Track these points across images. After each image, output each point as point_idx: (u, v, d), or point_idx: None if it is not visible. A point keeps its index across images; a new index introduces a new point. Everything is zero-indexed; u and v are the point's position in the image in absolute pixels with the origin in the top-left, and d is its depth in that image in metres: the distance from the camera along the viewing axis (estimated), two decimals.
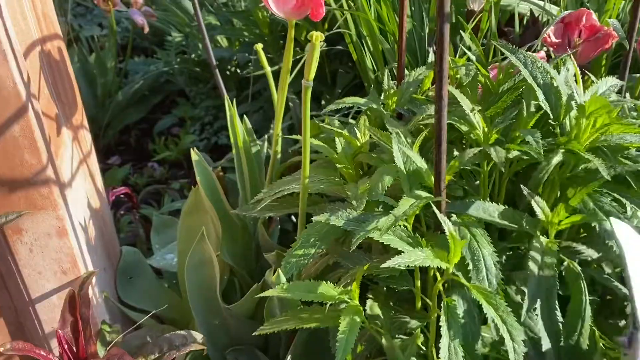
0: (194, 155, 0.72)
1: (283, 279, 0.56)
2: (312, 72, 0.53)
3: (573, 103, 0.57)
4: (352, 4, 1.04)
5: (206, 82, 1.55)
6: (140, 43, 1.89)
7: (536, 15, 1.02)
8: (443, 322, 0.48)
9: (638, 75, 0.81)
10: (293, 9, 0.60)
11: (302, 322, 0.57)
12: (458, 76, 0.65)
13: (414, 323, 0.59)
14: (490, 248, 0.51)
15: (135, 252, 0.88)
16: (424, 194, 0.52)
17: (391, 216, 0.48)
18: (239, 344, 0.76)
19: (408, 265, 0.55)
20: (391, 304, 0.64)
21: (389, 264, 0.45)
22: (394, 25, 1.06)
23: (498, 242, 0.66)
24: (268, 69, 0.79)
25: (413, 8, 1.09)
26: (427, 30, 1.08)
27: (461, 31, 0.80)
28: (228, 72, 1.54)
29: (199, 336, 0.59)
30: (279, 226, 0.91)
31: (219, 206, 0.76)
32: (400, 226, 0.52)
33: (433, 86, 0.76)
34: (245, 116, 0.83)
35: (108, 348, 0.53)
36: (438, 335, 0.53)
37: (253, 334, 0.58)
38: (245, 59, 1.47)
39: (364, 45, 1.06)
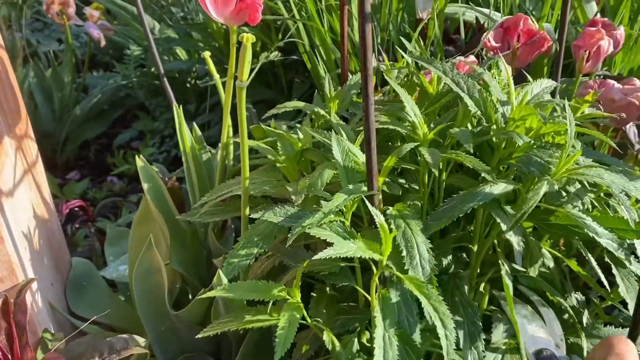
0: (139, 161, 0.72)
1: (224, 280, 0.57)
2: (245, 72, 0.54)
3: (499, 114, 0.59)
4: (304, 14, 1.06)
5: (165, 95, 1.54)
6: (101, 58, 1.88)
7: (482, 22, 1.05)
8: (377, 313, 0.49)
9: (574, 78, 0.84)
10: (231, 15, 0.61)
11: (246, 322, 0.57)
12: (394, 78, 0.67)
13: (357, 320, 0.59)
14: (424, 236, 0.52)
15: (86, 263, 0.87)
16: (359, 188, 0.53)
17: (321, 211, 0.49)
18: (191, 351, 0.76)
19: (346, 260, 0.56)
20: (337, 302, 0.65)
21: (320, 255, 0.46)
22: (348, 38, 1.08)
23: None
24: (217, 77, 0.79)
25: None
26: (378, 39, 1.11)
27: (401, 37, 0.82)
28: (188, 85, 1.54)
29: (141, 340, 0.59)
30: (234, 234, 0.91)
31: (168, 214, 0.76)
32: (336, 221, 0.53)
33: (377, 91, 0.78)
34: (195, 125, 0.83)
35: (46, 355, 0.52)
36: None
37: (196, 336, 0.58)
38: (204, 70, 1.48)
39: (317, 54, 1.07)
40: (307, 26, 1.08)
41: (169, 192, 0.98)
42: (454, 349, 0.59)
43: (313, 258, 0.46)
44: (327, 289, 0.65)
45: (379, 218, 0.49)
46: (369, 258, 0.49)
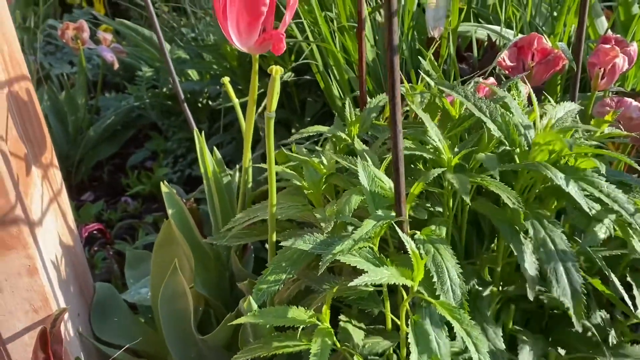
0: (164, 187, 0.73)
1: (254, 305, 0.57)
2: (273, 104, 0.55)
3: (522, 137, 0.60)
4: (318, 36, 1.08)
5: (178, 115, 1.56)
6: (112, 79, 1.90)
7: (493, 39, 1.06)
8: (411, 339, 0.49)
9: (589, 94, 0.85)
10: (255, 45, 0.62)
11: (276, 348, 0.58)
12: (415, 101, 0.68)
13: (385, 343, 0.60)
14: (454, 260, 0.53)
15: (109, 287, 0.87)
16: (387, 214, 0.54)
17: (351, 238, 0.50)
18: None
19: (375, 286, 0.57)
20: (364, 325, 0.66)
21: (355, 282, 0.46)
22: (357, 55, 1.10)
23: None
24: (236, 101, 0.81)
25: (377, 37, 1.13)
26: None
27: (419, 57, 0.83)
28: (200, 105, 1.56)
29: None
30: (253, 255, 0.92)
31: (190, 237, 0.77)
32: (365, 247, 0.53)
33: None
34: (215, 147, 0.84)
35: None
36: (409, 354, 0.54)
37: None
38: (216, 91, 1.50)
39: (330, 74, 1.09)
40: (321, 47, 1.09)
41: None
42: None
43: (349, 284, 0.46)
44: (354, 312, 0.66)
45: (411, 245, 0.50)
46: (401, 284, 0.50)
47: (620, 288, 0.62)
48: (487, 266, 0.63)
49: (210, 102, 1.53)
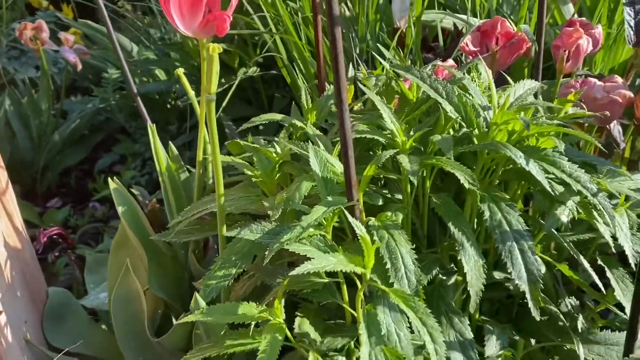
0: (112, 183, 0.70)
1: (202, 303, 0.54)
2: (213, 85, 0.52)
3: (481, 119, 0.57)
4: (281, 28, 1.05)
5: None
6: (81, 83, 1.85)
7: (460, 28, 1.04)
8: (362, 330, 0.46)
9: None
10: (199, 27, 0.59)
11: (227, 347, 0.54)
12: (372, 87, 0.66)
13: (345, 337, 0.57)
14: (409, 247, 0.50)
15: (64, 292, 0.83)
16: (339, 200, 0.51)
17: (299, 226, 0.47)
18: None
19: (330, 276, 0.54)
20: (325, 320, 0.62)
21: (296, 271, 0.43)
22: (325, 47, 1.07)
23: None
24: (192, 93, 0.77)
25: (344, 30, 1.11)
26: (357, 50, 1.09)
27: (379, 45, 0.81)
28: (169, 105, 1.52)
29: None
30: (217, 254, 0.89)
31: (145, 237, 0.73)
32: (316, 235, 0.50)
33: (356, 100, 0.76)
34: (170, 143, 0.81)
35: None
36: None
37: None
38: (184, 90, 1.46)
39: (296, 68, 1.06)
40: (285, 40, 1.06)
41: (150, 215, 0.95)
42: None
43: (290, 274, 0.43)
44: (314, 307, 0.63)
45: (360, 230, 0.47)
46: (352, 272, 0.47)
47: (592, 272, 0.60)
48: (448, 254, 0.61)
49: (179, 102, 1.50)
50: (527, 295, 0.50)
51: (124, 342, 0.69)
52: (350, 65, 0.82)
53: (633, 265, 0.55)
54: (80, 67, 1.36)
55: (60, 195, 1.52)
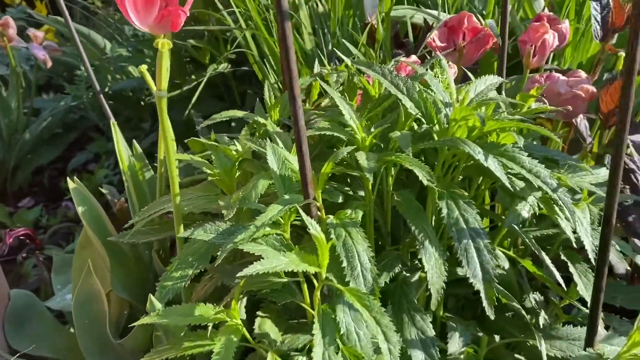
0: (71, 183, 0.68)
1: (157, 305, 0.53)
2: (163, 81, 0.50)
3: (442, 115, 0.57)
4: (251, 24, 1.04)
5: (119, 114, 1.50)
6: (56, 81, 1.82)
7: (430, 24, 1.04)
8: (316, 330, 0.46)
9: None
10: (155, 22, 0.57)
11: (185, 349, 0.53)
12: (334, 83, 0.65)
13: (305, 337, 0.56)
14: (366, 244, 0.49)
15: (27, 295, 0.82)
16: (295, 198, 0.50)
17: (253, 225, 0.46)
18: None
19: (290, 276, 0.53)
20: (287, 319, 0.62)
21: (245, 272, 0.42)
22: (295, 44, 1.06)
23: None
24: (154, 88, 0.76)
25: (316, 26, 1.10)
26: (329, 46, 1.09)
27: (344, 41, 0.80)
28: (142, 103, 1.50)
29: None
30: None
31: (106, 237, 0.72)
32: (272, 235, 0.50)
33: (322, 97, 0.75)
34: (134, 141, 0.80)
35: None
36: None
37: None
38: None
39: (267, 64, 1.05)
40: (256, 36, 1.05)
41: (119, 214, 0.94)
42: None
43: (238, 275, 0.42)
44: (277, 307, 0.62)
45: (314, 228, 0.46)
46: (306, 271, 0.46)
47: (552, 267, 0.60)
48: (408, 251, 0.60)
49: (153, 99, 1.48)
50: (482, 295, 0.49)
51: (85, 343, 0.68)
52: (317, 61, 0.81)
53: (593, 260, 0.55)
54: (50, 64, 1.34)
55: (33, 195, 1.49)
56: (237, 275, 0.42)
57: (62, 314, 0.91)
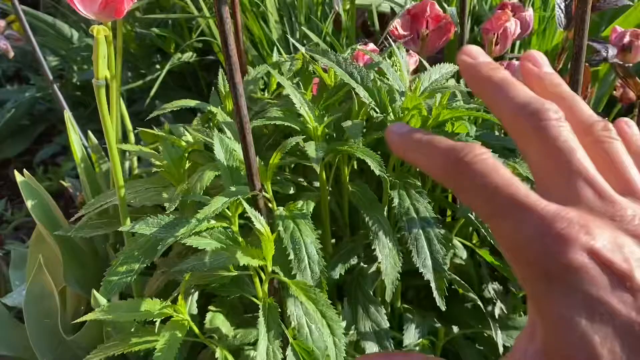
0: (19, 176, 0.66)
1: (102, 300, 0.51)
2: (100, 69, 0.49)
3: (397, 104, 0.56)
4: (214, 11, 1.02)
5: (87, 106, 1.47)
6: (26, 71, 1.78)
7: (397, 12, 1.03)
8: (261, 325, 0.44)
9: None
10: (99, 9, 0.55)
11: (132, 345, 0.52)
12: (286, 71, 0.64)
13: (257, 332, 0.55)
14: (314, 236, 0.48)
15: None
16: (242, 190, 0.49)
17: (195, 218, 0.45)
18: None
19: (239, 270, 0.52)
20: (242, 314, 0.61)
21: (181, 267, 0.41)
22: (261, 33, 1.04)
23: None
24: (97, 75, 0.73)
25: (282, 13, 1.08)
26: (297, 35, 1.07)
27: (305, 29, 0.78)
28: None
29: None
30: None
31: (54, 232, 0.70)
32: (218, 228, 0.48)
33: (282, 87, 0.74)
34: (89, 132, 0.77)
35: None
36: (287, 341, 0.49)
37: None
38: (124, 78, 1.41)
39: None
40: None
41: (81, 207, 0.91)
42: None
43: (174, 269, 0.41)
44: (230, 301, 0.61)
45: (258, 220, 0.45)
46: (248, 264, 0.45)
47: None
48: (363, 243, 0.59)
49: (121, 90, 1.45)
50: (432, 285, 0.49)
51: (37, 341, 0.66)
52: (275, 49, 0.79)
53: None
54: (12, 54, 1.29)
55: None
56: (173, 269, 0.41)
57: (21, 310, 0.89)
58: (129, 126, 0.78)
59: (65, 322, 0.69)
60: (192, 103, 0.62)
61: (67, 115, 0.74)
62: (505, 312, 0.62)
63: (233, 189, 0.49)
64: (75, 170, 1.38)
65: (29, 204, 0.66)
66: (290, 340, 0.49)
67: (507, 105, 0.23)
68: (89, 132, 0.77)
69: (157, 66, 1.11)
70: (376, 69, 0.61)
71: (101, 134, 1.24)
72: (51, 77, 0.81)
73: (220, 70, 0.66)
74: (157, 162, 0.56)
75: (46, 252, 0.72)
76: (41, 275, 0.66)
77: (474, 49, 0.27)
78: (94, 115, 1.48)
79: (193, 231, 0.45)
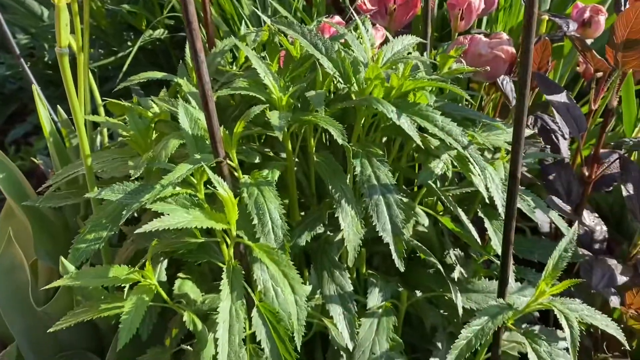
0: None
1: (71, 267, 0.52)
2: (62, 38, 0.49)
3: (361, 75, 0.57)
4: None
5: (59, 84, 1.45)
6: None
7: None
8: (224, 286, 0.46)
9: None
10: None
11: (101, 311, 0.53)
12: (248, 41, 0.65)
13: None
14: (277, 202, 0.50)
15: None
16: (206, 157, 0.50)
17: (159, 184, 0.46)
18: (69, 349, 0.71)
19: (207, 235, 0.53)
20: (211, 281, 0.62)
21: (144, 228, 0.42)
22: (232, 9, 1.04)
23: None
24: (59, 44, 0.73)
25: None
26: (269, 12, 1.07)
27: (272, 2, 0.79)
28: None
29: None
30: None
31: (31, 206, 0.70)
32: (183, 194, 0.49)
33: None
34: (59, 107, 0.77)
35: None
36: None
37: (48, 331, 0.53)
38: (96, 55, 1.40)
39: (203, 29, 1.03)
40: (194, 1, 1.02)
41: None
42: (328, 319, 0.58)
43: (136, 232, 0.42)
44: (199, 268, 0.62)
45: (220, 185, 0.46)
46: (213, 229, 0.46)
47: (468, 223, 0.62)
48: (327, 211, 0.61)
49: (92, 67, 1.43)
50: (391, 247, 0.51)
51: (9, 313, 0.67)
52: (243, 23, 0.80)
53: (502, 214, 0.57)
54: None
55: None
56: (136, 232, 0.42)
57: None
58: (99, 100, 0.78)
59: (36, 295, 0.70)
60: (158, 75, 0.63)
61: (36, 89, 0.73)
62: (465, 276, 0.64)
63: (197, 156, 0.50)
64: (47, 149, 1.37)
65: None
66: (257, 302, 0.51)
67: None
68: (58, 107, 0.77)
69: (129, 43, 1.10)
70: (342, 41, 0.63)
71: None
72: (18, 52, 0.81)
73: (187, 43, 0.67)
74: (124, 133, 0.57)
75: (15, 226, 0.72)
76: (11, 248, 0.66)
77: None
78: (65, 94, 1.47)
79: (158, 197, 0.47)
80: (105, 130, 0.81)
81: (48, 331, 0.53)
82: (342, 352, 0.57)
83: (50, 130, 0.71)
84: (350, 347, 0.55)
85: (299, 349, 0.47)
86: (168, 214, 0.45)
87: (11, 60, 1.43)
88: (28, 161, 1.35)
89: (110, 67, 1.30)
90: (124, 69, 0.96)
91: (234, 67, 0.73)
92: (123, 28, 1.19)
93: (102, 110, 0.79)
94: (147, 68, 1.22)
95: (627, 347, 0.74)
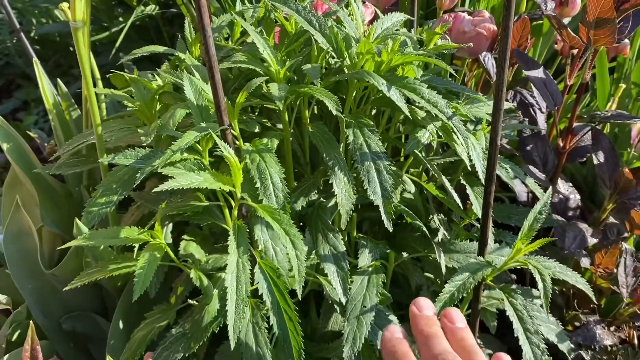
0: None
1: (84, 229, 0.56)
2: (77, 11, 0.52)
3: (352, 50, 0.60)
4: None
5: (47, 60, 1.46)
6: None
7: None
8: (232, 242, 0.50)
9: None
10: None
11: (112, 270, 0.57)
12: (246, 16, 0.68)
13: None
14: (278, 167, 0.54)
15: None
16: (211, 125, 0.54)
17: (170, 149, 0.49)
18: (75, 311, 0.75)
19: (211, 200, 0.57)
20: (213, 243, 0.66)
21: (160, 187, 0.46)
22: None
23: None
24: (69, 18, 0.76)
25: None
26: None
27: None
28: (71, 48, 1.47)
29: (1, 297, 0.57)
30: None
31: (37, 175, 0.73)
32: (191, 160, 0.53)
33: (245, 35, 0.78)
34: (59, 80, 0.80)
35: None
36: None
37: (64, 289, 0.57)
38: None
39: (193, 4, 1.05)
40: None
41: (48, 157, 0.94)
42: (323, 276, 0.63)
43: (153, 190, 0.46)
44: (202, 232, 0.66)
45: (227, 151, 0.50)
46: (222, 191, 0.50)
47: (451, 189, 0.67)
48: (321, 178, 0.65)
49: None
50: (381, 209, 0.55)
51: (17, 276, 0.70)
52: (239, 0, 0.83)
53: (482, 181, 0.62)
54: None
55: None
56: (153, 190, 0.46)
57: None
58: (97, 74, 0.81)
59: (43, 259, 0.73)
60: (160, 49, 0.66)
61: (36, 62, 0.76)
62: (448, 237, 0.69)
63: (203, 124, 0.54)
64: (38, 125, 1.38)
65: (4, 146, 0.69)
66: (258, 260, 0.55)
67: (427, 352, 0.39)
68: (59, 80, 0.79)
69: (120, 19, 1.12)
70: (334, 17, 0.66)
71: (66, 85, 1.23)
72: (18, 26, 0.82)
73: (187, 19, 0.70)
74: (130, 104, 0.60)
75: (21, 194, 0.75)
76: (19, 215, 0.69)
77: (423, 302, 0.43)
78: (55, 70, 1.48)
79: (168, 162, 0.50)
80: (103, 105, 0.84)
81: (64, 289, 0.57)
82: (335, 306, 0.62)
83: (54, 103, 0.73)
84: (344, 301, 0.59)
85: (300, 298, 0.52)
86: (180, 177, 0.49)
87: None
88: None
89: (98, 42, 1.31)
90: (117, 44, 0.98)
91: (230, 43, 0.76)
92: (113, 4, 1.20)
93: (100, 83, 0.82)
94: (139, 44, 1.24)
95: (596, 303, 0.80)
